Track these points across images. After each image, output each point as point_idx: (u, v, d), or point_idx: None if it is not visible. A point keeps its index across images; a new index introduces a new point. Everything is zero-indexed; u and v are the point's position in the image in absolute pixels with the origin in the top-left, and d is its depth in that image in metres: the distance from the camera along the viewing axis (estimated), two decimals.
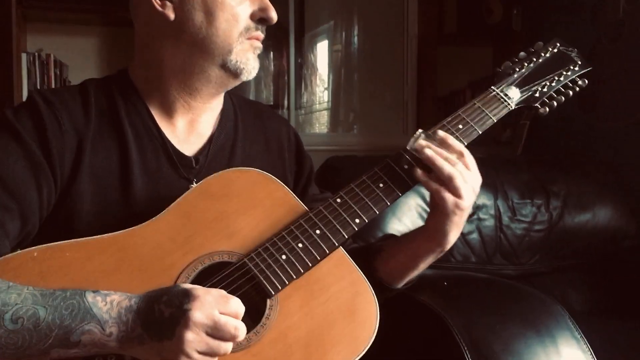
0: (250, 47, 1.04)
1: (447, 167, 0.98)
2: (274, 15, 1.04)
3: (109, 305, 0.81)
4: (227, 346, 0.82)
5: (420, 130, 1.03)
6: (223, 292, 0.84)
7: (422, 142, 1.01)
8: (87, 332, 0.79)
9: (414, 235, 1.09)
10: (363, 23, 3.82)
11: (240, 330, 0.81)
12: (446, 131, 1.05)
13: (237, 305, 0.83)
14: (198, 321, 0.79)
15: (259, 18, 1.03)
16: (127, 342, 0.80)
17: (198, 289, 0.82)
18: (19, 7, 2.80)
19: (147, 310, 0.81)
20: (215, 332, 0.80)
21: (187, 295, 0.81)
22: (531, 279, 1.95)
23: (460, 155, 1.00)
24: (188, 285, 0.84)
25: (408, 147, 1.02)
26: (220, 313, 0.81)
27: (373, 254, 1.11)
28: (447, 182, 0.98)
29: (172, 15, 1.01)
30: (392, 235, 1.14)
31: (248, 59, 1.04)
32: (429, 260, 1.07)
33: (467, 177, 0.99)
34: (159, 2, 1.01)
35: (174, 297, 0.81)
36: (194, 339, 0.79)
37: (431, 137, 1.02)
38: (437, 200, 0.99)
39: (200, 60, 1.02)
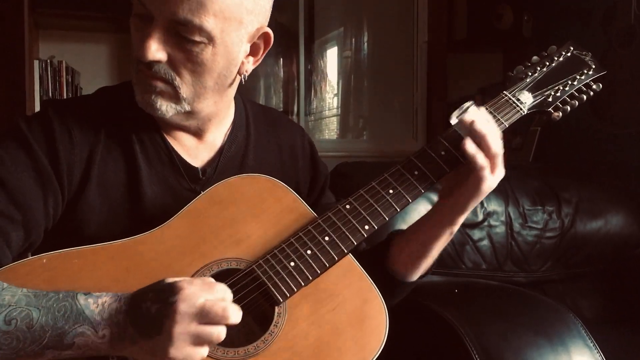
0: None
1: (496, 145, 0.97)
2: (142, 52, 0.91)
3: (100, 307, 0.81)
4: (220, 330, 0.80)
5: (471, 102, 1.02)
6: (208, 279, 0.84)
7: (470, 116, 0.99)
8: (80, 334, 0.80)
9: (422, 223, 1.08)
10: (373, 29, 3.83)
11: (229, 310, 0.80)
12: (457, 136, 1.04)
13: (222, 290, 0.82)
14: (184, 311, 0.78)
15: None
16: (119, 343, 0.80)
17: (182, 281, 0.81)
18: (31, 15, 2.83)
19: (135, 309, 0.81)
20: (204, 318, 0.79)
21: (171, 289, 0.80)
22: (542, 287, 1.94)
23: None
24: (172, 279, 0.83)
25: (455, 117, 1.01)
26: (206, 300, 0.80)
27: (383, 251, 1.10)
28: (494, 159, 0.97)
29: None
30: (398, 231, 1.12)
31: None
32: (440, 244, 1.06)
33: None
34: None
35: (159, 293, 0.81)
36: (182, 330, 0.78)
37: (479, 114, 1.02)
38: (479, 176, 0.97)
39: None
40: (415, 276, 1.09)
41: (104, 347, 0.81)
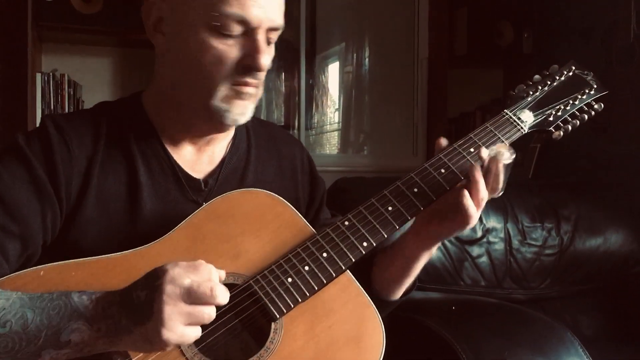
0: (235, 94, 0.99)
1: (484, 191, 0.99)
2: (261, 62, 0.96)
3: (94, 303, 0.82)
4: (209, 310, 0.80)
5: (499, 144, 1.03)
6: (194, 262, 0.84)
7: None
8: (75, 330, 0.80)
9: (405, 242, 1.07)
10: (374, 45, 3.85)
11: (216, 289, 0.80)
12: (457, 154, 1.05)
13: (207, 269, 0.82)
14: (171, 292, 0.78)
15: (247, 64, 0.97)
16: (115, 335, 0.80)
17: (167, 265, 0.82)
18: (34, 28, 2.85)
19: (127, 299, 0.81)
20: (191, 298, 0.79)
21: (157, 273, 0.81)
22: (541, 304, 1.93)
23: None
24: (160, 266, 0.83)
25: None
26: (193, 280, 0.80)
27: (367, 269, 1.10)
28: (481, 202, 0.99)
29: (163, 48, 1.01)
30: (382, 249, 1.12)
31: (231, 105, 0.99)
32: (422, 262, 1.08)
33: None
34: (152, 33, 1.01)
35: (147, 279, 0.82)
36: (172, 311, 0.78)
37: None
38: (467, 216, 0.98)
39: (188, 98, 1.01)
40: (398, 294, 1.10)
41: (101, 342, 0.81)
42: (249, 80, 0.98)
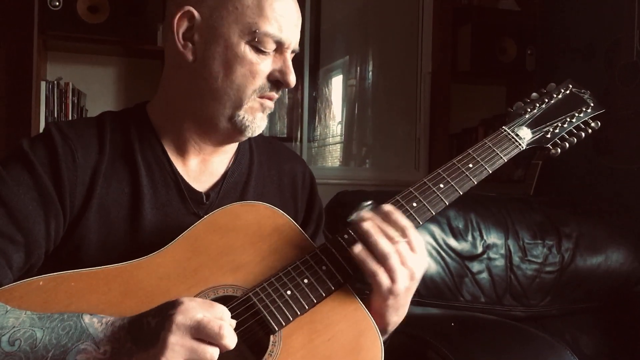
0: (260, 106, 1.04)
1: (382, 244, 0.94)
2: (291, 80, 1.03)
3: (104, 325, 0.82)
4: (213, 350, 0.80)
5: (369, 202, 0.97)
6: (210, 301, 0.84)
7: (365, 214, 0.96)
8: (82, 351, 0.80)
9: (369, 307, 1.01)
10: (378, 59, 3.87)
11: (225, 329, 0.80)
12: (455, 170, 1.06)
13: (221, 310, 0.83)
14: (180, 323, 0.79)
15: (275, 80, 1.03)
16: (117, 358, 0.80)
17: (183, 298, 0.82)
18: (40, 36, 2.87)
19: (137, 324, 0.82)
20: (199, 333, 0.79)
21: (172, 303, 0.82)
22: (541, 321, 1.92)
23: (404, 233, 0.95)
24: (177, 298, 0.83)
25: (349, 220, 0.98)
26: (204, 316, 0.80)
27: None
28: (382, 262, 0.93)
29: (191, 57, 1.02)
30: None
31: (255, 117, 1.03)
32: (391, 327, 1.03)
33: (406, 258, 0.95)
34: (181, 42, 1.02)
35: (161, 308, 0.82)
36: (176, 342, 0.78)
37: (377, 210, 0.97)
38: (371, 282, 0.95)
39: (210, 109, 1.03)
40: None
41: None
42: (274, 94, 1.05)
